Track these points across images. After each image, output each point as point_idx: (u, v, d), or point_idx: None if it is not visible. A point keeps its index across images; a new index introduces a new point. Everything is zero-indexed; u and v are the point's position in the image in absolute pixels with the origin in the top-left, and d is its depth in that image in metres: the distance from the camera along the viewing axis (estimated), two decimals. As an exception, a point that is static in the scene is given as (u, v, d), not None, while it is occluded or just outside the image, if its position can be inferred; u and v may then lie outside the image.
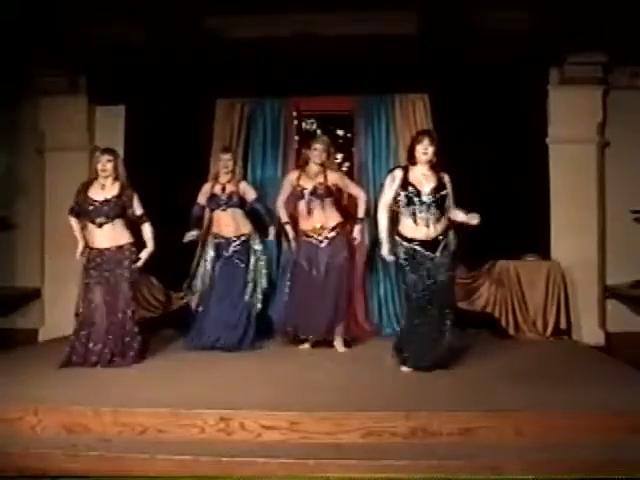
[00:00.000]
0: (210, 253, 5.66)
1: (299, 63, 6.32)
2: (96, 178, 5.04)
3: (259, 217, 5.76)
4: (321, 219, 5.46)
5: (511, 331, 6.15)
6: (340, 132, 6.79)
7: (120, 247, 4.95)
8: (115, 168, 4.99)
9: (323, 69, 6.33)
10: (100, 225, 4.91)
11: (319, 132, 5.71)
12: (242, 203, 5.65)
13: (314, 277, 5.45)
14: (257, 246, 5.63)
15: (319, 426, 3.63)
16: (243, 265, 5.54)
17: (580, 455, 3.40)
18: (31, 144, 7.04)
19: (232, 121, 6.73)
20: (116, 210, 4.94)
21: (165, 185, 6.33)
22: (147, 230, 5.12)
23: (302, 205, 5.50)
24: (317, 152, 5.49)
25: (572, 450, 3.44)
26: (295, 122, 6.87)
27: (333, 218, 5.51)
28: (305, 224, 5.53)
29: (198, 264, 6.47)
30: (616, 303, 6.59)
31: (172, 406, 3.80)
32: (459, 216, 4.79)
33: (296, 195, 5.56)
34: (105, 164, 4.97)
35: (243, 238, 5.58)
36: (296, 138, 6.87)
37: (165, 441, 3.64)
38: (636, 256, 6.42)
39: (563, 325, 6.16)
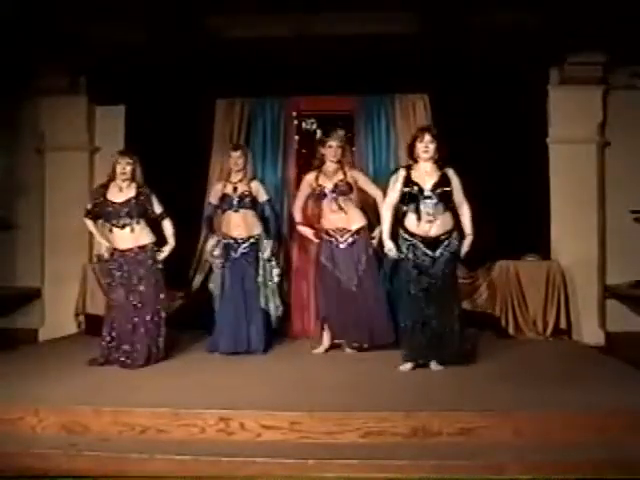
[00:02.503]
0: (218, 254, 5.53)
1: (299, 63, 6.31)
2: (112, 180, 5.04)
3: (266, 220, 5.64)
4: (344, 220, 5.41)
5: (511, 331, 6.15)
6: (339, 131, 6.78)
7: (142, 247, 4.97)
8: (134, 170, 5.01)
9: (323, 69, 6.33)
10: (123, 227, 4.92)
11: (337, 130, 5.65)
12: (254, 204, 5.54)
13: (339, 278, 5.39)
14: (268, 247, 5.50)
15: (319, 426, 3.63)
16: (252, 267, 5.43)
17: (580, 455, 3.39)
18: (31, 144, 7.05)
19: (232, 121, 6.73)
20: (137, 210, 4.96)
21: (165, 185, 6.31)
22: (167, 226, 5.16)
23: (325, 204, 5.44)
24: (332, 149, 5.42)
25: (572, 450, 3.44)
26: (295, 122, 6.87)
27: (356, 220, 5.44)
28: (327, 223, 5.46)
29: (199, 263, 6.49)
30: (616, 303, 6.59)
31: (172, 406, 3.80)
32: (465, 217, 4.75)
33: (317, 195, 5.48)
34: (125, 167, 4.98)
35: (252, 240, 5.46)
36: (296, 138, 6.87)
37: (165, 441, 3.64)
38: (636, 256, 6.42)
39: (563, 325, 6.16)
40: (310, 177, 5.56)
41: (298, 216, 5.68)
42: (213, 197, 5.63)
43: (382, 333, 5.39)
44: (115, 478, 3.42)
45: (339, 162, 5.48)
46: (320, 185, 5.44)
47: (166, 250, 5.10)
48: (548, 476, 3.29)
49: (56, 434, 3.75)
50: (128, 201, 4.96)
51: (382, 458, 3.39)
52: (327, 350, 5.48)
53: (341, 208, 5.39)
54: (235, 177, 5.53)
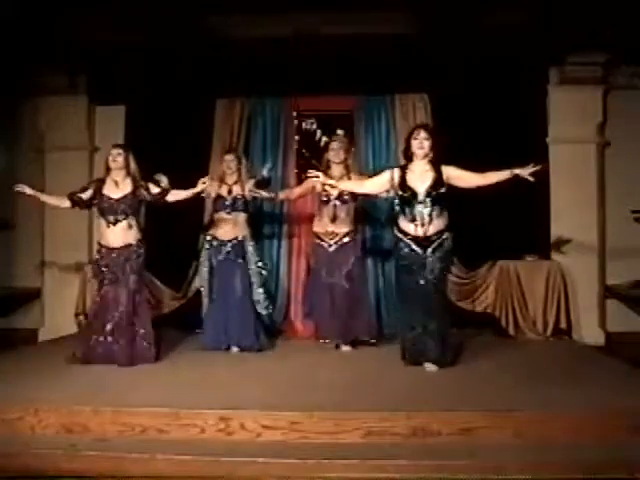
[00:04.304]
0: (205, 255, 5.61)
1: (299, 63, 6.32)
2: (107, 175, 5.01)
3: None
4: (335, 224, 5.47)
5: (511, 331, 6.15)
6: (340, 132, 6.79)
7: (129, 245, 4.94)
8: (126, 160, 4.98)
9: (323, 69, 6.33)
10: (115, 223, 4.90)
11: (339, 132, 5.74)
12: (247, 206, 5.59)
13: (328, 279, 5.48)
14: (250, 247, 5.56)
15: (319, 426, 3.63)
16: (240, 264, 5.46)
17: (580, 455, 3.40)
18: (31, 144, 7.05)
19: (232, 121, 6.74)
20: (133, 206, 4.95)
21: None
22: (177, 193, 5.07)
23: (325, 209, 5.50)
24: (334, 151, 5.48)
25: (572, 450, 3.44)
26: (295, 122, 6.87)
27: (346, 225, 5.51)
28: (319, 226, 5.55)
29: (197, 263, 6.51)
30: (616, 303, 6.59)
31: (172, 406, 3.80)
32: (491, 174, 4.70)
33: (321, 200, 5.54)
34: (116, 157, 4.97)
35: (235, 241, 5.49)
36: (296, 138, 6.87)
37: (165, 441, 3.64)
38: (636, 256, 6.42)
39: (563, 325, 6.17)
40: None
41: (284, 194, 5.88)
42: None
43: (365, 330, 5.54)
44: (115, 478, 3.42)
45: (345, 166, 5.51)
46: (325, 190, 5.45)
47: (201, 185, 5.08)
48: (548, 476, 3.29)
49: (56, 434, 3.75)
50: (124, 197, 4.94)
51: (382, 458, 3.38)
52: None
53: (334, 217, 5.46)
54: (230, 179, 5.55)
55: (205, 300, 5.67)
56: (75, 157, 6.96)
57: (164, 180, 5.08)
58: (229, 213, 5.49)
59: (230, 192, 5.51)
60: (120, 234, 4.93)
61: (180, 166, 6.47)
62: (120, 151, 5.00)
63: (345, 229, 5.51)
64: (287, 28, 6.07)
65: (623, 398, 3.91)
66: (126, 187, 4.98)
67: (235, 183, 5.54)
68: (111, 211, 4.92)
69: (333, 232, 5.50)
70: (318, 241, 5.57)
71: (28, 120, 7.01)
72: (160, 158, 6.49)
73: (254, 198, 5.63)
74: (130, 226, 4.94)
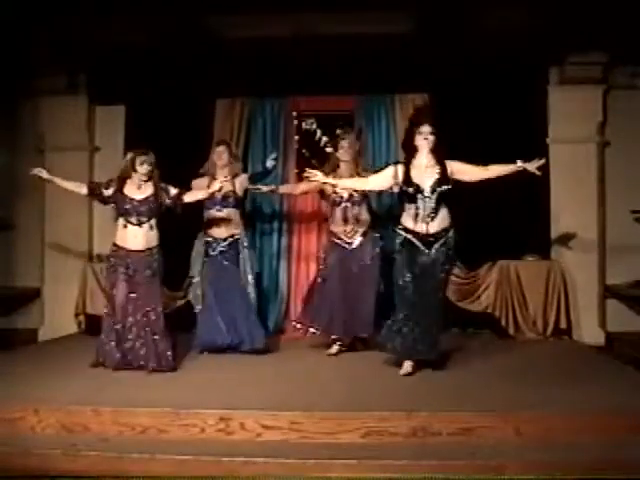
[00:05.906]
0: (199, 252, 5.57)
1: (299, 63, 6.32)
2: (129, 177, 4.95)
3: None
4: (354, 223, 5.44)
5: (511, 331, 6.16)
6: (340, 132, 6.79)
7: (150, 249, 4.91)
8: (153, 170, 4.96)
9: (323, 69, 6.33)
10: (140, 224, 4.87)
11: (348, 128, 5.79)
12: (237, 203, 5.58)
13: (346, 279, 5.41)
14: (245, 244, 5.56)
15: (319, 426, 3.63)
16: (232, 265, 5.44)
17: (580, 455, 3.40)
18: (31, 144, 7.04)
19: (232, 121, 6.74)
20: (155, 209, 4.92)
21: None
22: (194, 193, 5.14)
23: (337, 210, 5.46)
24: (344, 150, 5.44)
25: (572, 450, 3.44)
26: (295, 122, 6.87)
27: (365, 222, 5.47)
28: (335, 226, 5.49)
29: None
30: (616, 303, 6.59)
31: (172, 406, 3.81)
32: (495, 167, 4.62)
33: (332, 202, 5.50)
34: (149, 165, 4.90)
35: (231, 239, 5.48)
36: (296, 138, 6.87)
37: (165, 441, 3.64)
38: (636, 256, 6.42)
39: (563, 325, 6.17)
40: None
41: (285, 188, 6.05)
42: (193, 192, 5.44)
43: (364, 328, 5.41)
44: (115, 478, 3.42)
45: (355, 165, 5.47)
46: (336, 192, 5.42)
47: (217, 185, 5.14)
48: (548, 476, 3.29)
49: (56, 434, 3.76)
50: (147, 199, 4.91)
51: (382, 458, 3.39)
52: (337, 353, 5.41)
53: (346, 219, 5.42)
54: (220, 174, 5.48)
55: (197, 299, 5.59)
56: (75, 157, 6.95)
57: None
58: (219, 210, 5.47)
59: (220, 189, 5.42)
60: (143, 236, 4.88)
61: (180, 166, 6.49)
62: (153, 160, 4.92)
63: (363, 228, 5.45)
64: (287, 28, 6.06)
65: (623, 398, 3.91)
66: (147, 189, 4.95)
67: (225, 180, 5.49)
68: (135, 212, 4.87)
69: (353, 229, 5.43)
70: (335, 240, 5.45)
71: (28, 120, 7.00)
72: (160, 158, 6.50)
73: (245, 194, 5.60)
74: (152, 228, 4.92)
